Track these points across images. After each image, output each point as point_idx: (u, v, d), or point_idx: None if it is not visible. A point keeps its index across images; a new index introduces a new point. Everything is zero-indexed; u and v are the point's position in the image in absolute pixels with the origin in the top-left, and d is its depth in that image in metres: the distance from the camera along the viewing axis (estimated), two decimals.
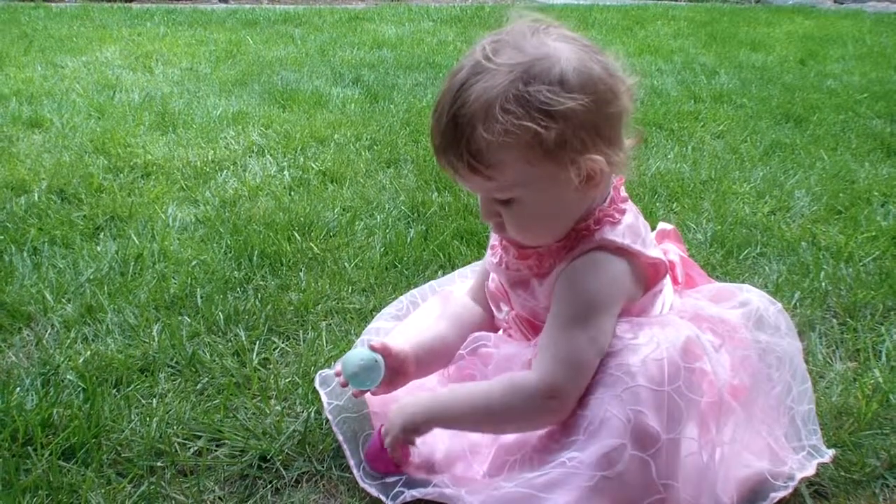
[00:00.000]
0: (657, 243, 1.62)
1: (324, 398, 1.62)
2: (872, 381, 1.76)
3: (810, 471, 1.39)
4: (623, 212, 1.39)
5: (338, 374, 1.54)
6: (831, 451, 1.44)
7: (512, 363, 1.44)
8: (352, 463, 1.48)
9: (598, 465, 1.23)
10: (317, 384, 1.67)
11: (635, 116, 1.37)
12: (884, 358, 1.87)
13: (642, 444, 1.23)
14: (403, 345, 1.57)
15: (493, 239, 1.53)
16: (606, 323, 1.34)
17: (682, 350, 1.30)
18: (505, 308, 1.54)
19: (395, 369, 1.54)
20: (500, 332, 1.60)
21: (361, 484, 1.44)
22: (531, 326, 1.48)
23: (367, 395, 1.56)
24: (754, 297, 1.55)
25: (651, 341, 1.30)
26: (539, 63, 1.25)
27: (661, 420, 1.24)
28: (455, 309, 1.67)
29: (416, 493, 1.37)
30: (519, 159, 1.26)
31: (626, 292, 1.37)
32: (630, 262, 1.37)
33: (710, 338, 1.43)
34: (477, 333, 1.56)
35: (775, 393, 1.46)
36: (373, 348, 1.51)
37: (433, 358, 1.60)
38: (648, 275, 1.42)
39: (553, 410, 1.33)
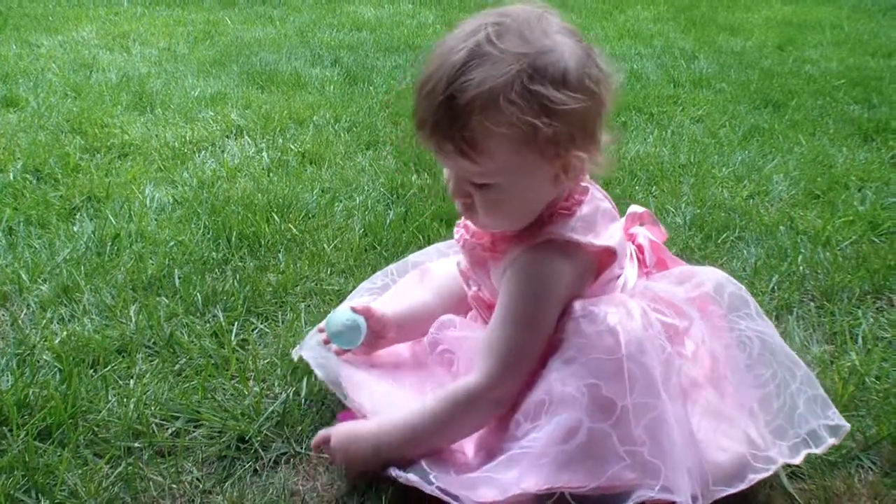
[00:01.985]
0: (627, 226, 1.63)
1: (303, 353, 1.64)
2: (849, 364, 1.78)
3: (796, 459, 1.37)
4: (580, 203, 1.40)
5: (321, 331, 1.61)
6: (832, 440, 1.40)
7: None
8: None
9: (557, 440, 1.24)
10: (294, 354, 1.69)
11: (616, 101, 1.38)
12: (860, 341, 1.89)
13: (600, 415, 1.23)
14: (386, 309, 1.63)
15: (461, 219, 1.54)
16: (550, 317, 1.35)
17: (637, 322, 1.31)
18: (473, 287, 1.56)
19: (376, 332, 1.61)
20: (472, 312, 1.62)
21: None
22: (490, 307, 1.49)
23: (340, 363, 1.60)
24: (717, 277, 1.55)
25: (601, 313, 1.31)
26: (544, 57, 1.25)
27: (618, 388, 1.24)
28: (439, 280, 1.70)
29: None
30: (510, 150, 1.26)
31: (571, 286, 1.37)
32: (577, 255, 1.38)
33: (671, 319, 1.43)
34: (444, 317, 1.58)
35: (756, 376, 1.44)
36: (355, 310, 1.57)
37: (415, 324, 1.64)
38: (600, 261, 1.42)
39: (499, 407, 1.36)
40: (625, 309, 1.33)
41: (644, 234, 1.62)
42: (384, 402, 1.50)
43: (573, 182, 1.36)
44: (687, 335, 1.44)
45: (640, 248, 1.59)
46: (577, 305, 1.34)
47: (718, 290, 1.50)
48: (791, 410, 1.41)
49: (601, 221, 1.42)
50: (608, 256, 1.41)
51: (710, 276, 1.54)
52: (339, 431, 1.40)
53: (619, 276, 1.46)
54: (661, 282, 1.54)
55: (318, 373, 1.58)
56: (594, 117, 1.31)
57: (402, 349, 1.68)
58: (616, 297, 1.39)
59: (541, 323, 1.35)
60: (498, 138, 1.25)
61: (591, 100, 1.28)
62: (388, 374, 1.61)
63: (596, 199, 1.43)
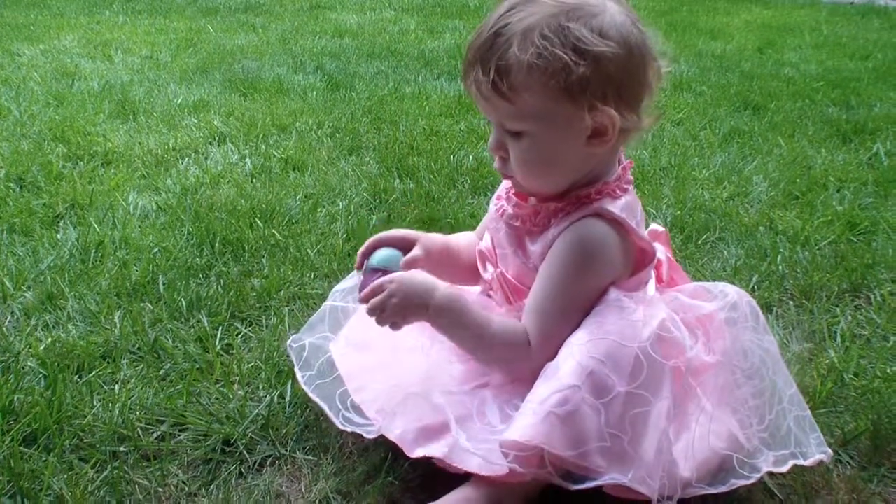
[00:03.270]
0: None
1: (297, 372, 1.62)
2: (827, 362, 1.80)
3: (782, 468, 1.39)
4: (626, 191, 1.43)
5: (359, 268, 1.55)
6: (821, 456, 1.41)
7: None
8: (331, 415, 1.50)
9: (550, 402, 1.25)
10: (290, 354, 1.66)
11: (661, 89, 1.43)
12: (838, 339, 1.91)
13: (597, 392, 1.25)
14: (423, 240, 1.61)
15: (499, 190, 1.57)
16: (596, 288, 1.38)
17: (659, 321, 1.34)
18: (491, 268, 1.57)
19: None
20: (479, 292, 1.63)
21: (342, 428, 1.47)
22: (514, 289, 1.51)
23: (338, 360, 1.59)
24: (731, 291, 1.55)
25: (631, 306, 1.34)
26: (586, 8, 1.31)
27: (620, 374, 1.26)
28: (467, 235, 1.72)
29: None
30: (541, 88, 1.30)
31: (616, 264, 1.40)
32: (622, 237, 1.40)
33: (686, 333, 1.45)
34: (463, 290, 1.60)
35: (754, 385, 1.44)
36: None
37: (446, 254, 1.64)
38: (636, 258, 1.44)
39: (529, 362, 1.38)
40: (654, 309, 1.36)
41: (662, 251, 1.64)
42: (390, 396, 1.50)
43: (605, 147, 1.38)
44: (698, 343, 1.46)
45: (657, 263, 1.60)
46: (613, 293, 1.37)
47: (733, 305, 1.51)
48: (781, 423, 1.42)
49: (642, 220, 1.46)
50: (644, 255, 1.45)
51: (725, 290, 1.54)
52: (406, 272, 1.45)
53: (647, 283, 1.49)
54: (681, 295, 1.55)
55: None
56: (629, 79, 1.34)
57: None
58: (648, 297, 1.42)
59: (585, 296, 1.37)
60: (529, 72, 1.30)
61: (627, 56, 1.32)
62: (387, 362, 1.59)
63: (635, 196, 1.46)
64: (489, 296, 1.60)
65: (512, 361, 1.42)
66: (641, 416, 1.27)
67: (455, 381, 1.48)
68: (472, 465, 1.34)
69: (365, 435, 1.44)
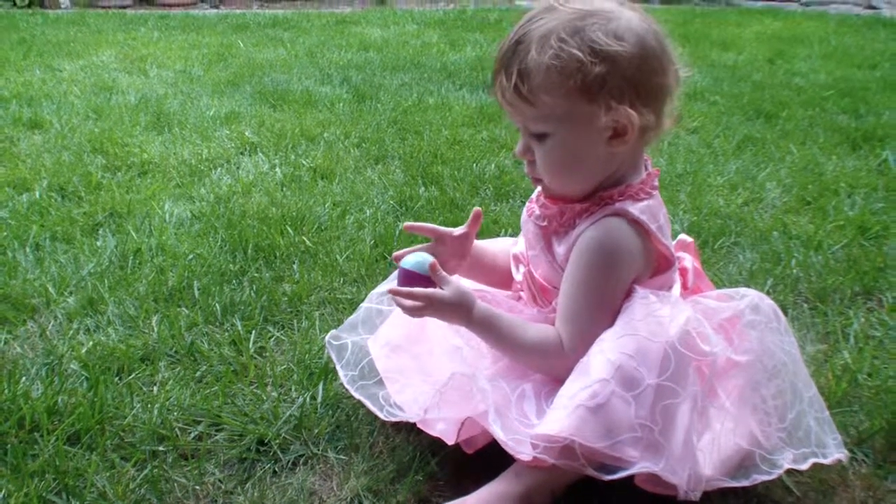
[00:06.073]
0: (676, 249, 1.67)
1: (339, 370, 1.66)
2: (842, 363, 1.83)
3: (802, 466, 1.41)
4: (650, 195, 1.46)
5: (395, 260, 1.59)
6: (839, 455, 1.43)
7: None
8: (374, 409, 1.55)
9: (581, 396, 1.29)
10: (330, 350, 1.70)
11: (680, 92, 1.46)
12: (852, 340, 1.94)
13: (626, 385, 1.28)
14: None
15: (533, 194, 1.60)
16: (619, 288, 1.42)
17: (685, 319, 1.37)
18: (522, 269, 1.61)
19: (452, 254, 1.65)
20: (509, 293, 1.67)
21: (386, 419, 1.52)
22: (541, 289, 1.55)
23: (378, 361, 1.64)
24: (751, 293, 1.56)
25: (657, 303, 1.38)
26: (601, 13, 1.36)
27: (649, 368, 1.30)
28: (501, 241, 1.77)
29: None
30: (559, 89, 1.35)
31: (637, 261, 1.43)
32: (641, 237, 1.43)
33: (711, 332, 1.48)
34: (493, 293, 1.64)
35: (775, 386, 1.46)
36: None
37: (481, 258, 1.70)
38: (657, 261, 1.47)
39: (565, 364, 1.41)
40: (678, 308, 1.39)
41: (689, 259, 1.67)
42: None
43: (626, 146, 1.41)
44: (720, 341, 1.48)
45: (683, 271, 1.63)
46: (640, 290, 1.41)
47: (754, 306, 1.52)
48: (801, 423, 1.44)
49: (665, 224, 1.48)
50: (664, 259, 1.48)
51: (747, 294, 1.56)
52: (440, 292, 1.46)
53: (671, 286, 1.52)
54: (703, 299, 1.57)
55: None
56: (645, 79, 1.37)
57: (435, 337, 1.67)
58: (672, 297, 1.45)
59: (612, 294, 1.41)
60: (548, 73, 1.35)
61: (643, 57, 1.36)
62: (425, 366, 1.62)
63: (660, 201, 1.49)
64: (519, 297, 1.63)
65: (549, 366, 1.46)
66: (671, 408, 1.30)
67: (496, 376, 1.52)
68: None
69: (411, 420, 1.48)
